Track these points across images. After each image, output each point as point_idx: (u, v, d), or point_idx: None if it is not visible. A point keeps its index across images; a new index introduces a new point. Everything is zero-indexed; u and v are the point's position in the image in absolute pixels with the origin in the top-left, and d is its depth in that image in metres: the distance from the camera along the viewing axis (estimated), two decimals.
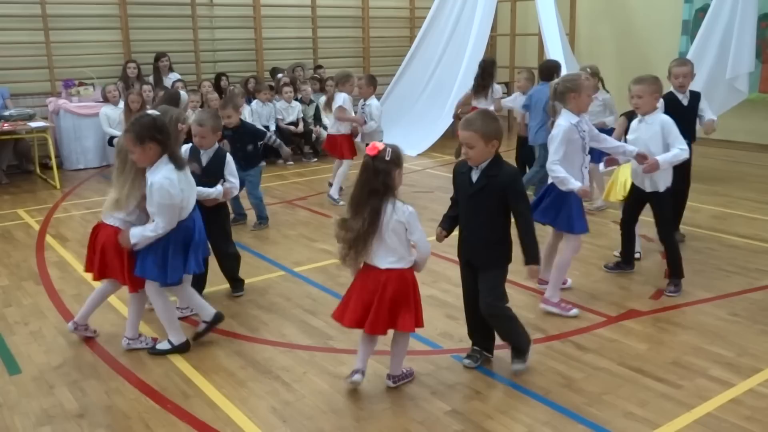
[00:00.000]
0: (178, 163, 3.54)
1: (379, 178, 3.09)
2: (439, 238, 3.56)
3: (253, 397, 3.34)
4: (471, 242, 3.45)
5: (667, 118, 4.42)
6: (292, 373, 3.57)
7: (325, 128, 9.57)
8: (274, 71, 10.51)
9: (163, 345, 3.80)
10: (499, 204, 3.34)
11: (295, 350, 3.84)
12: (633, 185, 4.69)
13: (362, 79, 7.37)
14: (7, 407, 3.29)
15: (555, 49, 9.13)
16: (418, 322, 3.27)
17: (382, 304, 3.16)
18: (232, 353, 3.80)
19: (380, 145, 3.13)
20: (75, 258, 5.45)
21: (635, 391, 3.35)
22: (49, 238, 6.03)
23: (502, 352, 3.74)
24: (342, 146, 7.12)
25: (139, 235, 3.52)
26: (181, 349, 3.79)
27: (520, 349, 3.54)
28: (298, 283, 4.87)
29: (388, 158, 3.10)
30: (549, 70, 6.81)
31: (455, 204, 3.54)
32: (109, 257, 3.66)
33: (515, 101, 7.44)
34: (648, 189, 4.54)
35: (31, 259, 5.46)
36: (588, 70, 6.23)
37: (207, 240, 3.94)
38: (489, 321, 3.51)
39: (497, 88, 7.69)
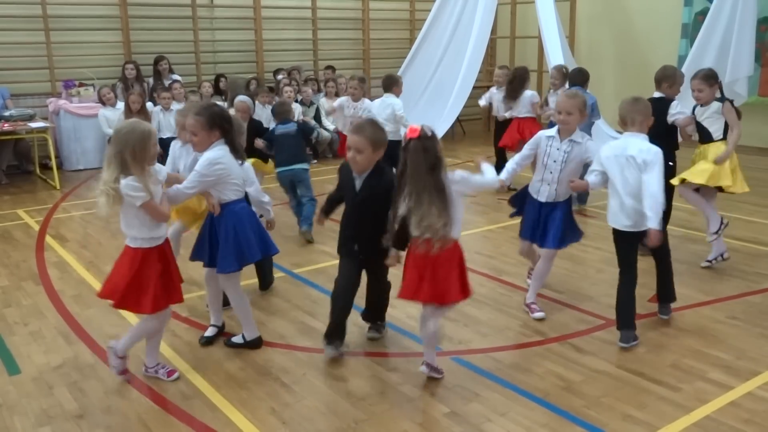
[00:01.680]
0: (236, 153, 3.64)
1: (431, 154, 3.20)
2: (321, 222, 3.88)
3: (253, 399, 3.35)
4: (359, 238, 3.60)
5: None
6: (291, 375, 3.57)
7: (327, 130, 9.62)
8: (277, 72, 10.53)
9: (237, 338, 3.88)
10: (384, 206, 3.40)
11: (294, 352, 3.85)
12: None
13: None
14: (7, 407, 3.30)
15: (555, 52, 9.15)
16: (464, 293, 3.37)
17: (435, 273, 3.29)
18: (232, 354, 3.80)
19: (417, 126, 3.23)
20: (75, 258, 5.46)
21: (634, 393, 3.36)
22: (48, 239, 6.03)
23: (500, 355, 3.75)
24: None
25: (174, 190, 3.52)
26: (254, 344, 3.84)
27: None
28: (298, 284, 4.88)
29: (429, 134, 3.23)
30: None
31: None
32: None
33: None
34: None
35: (31, 260, 5.47)
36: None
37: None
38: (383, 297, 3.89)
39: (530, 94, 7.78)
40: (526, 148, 4.32)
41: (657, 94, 5.09)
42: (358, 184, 3.55)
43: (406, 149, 3.24)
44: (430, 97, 10.65)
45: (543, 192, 4.21)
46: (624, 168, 3.73)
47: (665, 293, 4.18)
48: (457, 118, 10.61)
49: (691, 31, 9.66)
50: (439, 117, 10.00)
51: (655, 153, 3.67)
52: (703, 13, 9.00)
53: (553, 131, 4.21)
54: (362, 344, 3.91)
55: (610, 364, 3.65)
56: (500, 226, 6.21)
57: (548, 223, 4.19)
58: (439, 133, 11.24)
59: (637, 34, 11.02)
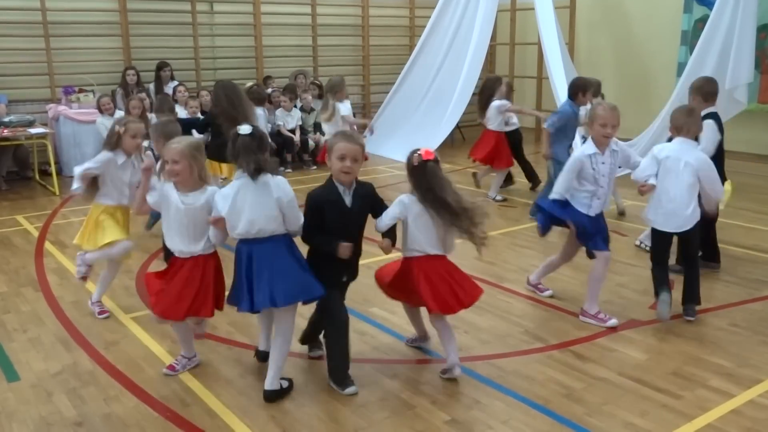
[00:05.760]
0: None
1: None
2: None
3: (252, 406, 3.33)
4: (353, 261, 3.49)
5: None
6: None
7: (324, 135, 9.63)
8: (266, 80, 10.52)
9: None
10: (366, 216, 3.49)
11: (294, 359, 3.82)
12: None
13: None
14: (6, 415, 3.28)
15: (554, 59, 9.15)
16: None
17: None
18: (232, 361, 3.79)
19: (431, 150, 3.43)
20: (74, 265, 5.43)
21: (635, 401, 3.35)
22: (48, 245, 6.02)
23: (501, 362, 3.74)
24: None
25: None
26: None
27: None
28: None
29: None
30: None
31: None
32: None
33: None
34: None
35: (30, 266, 5.45)
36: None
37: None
38: None
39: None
40: (569, 174, 4.17)
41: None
42: (348, 199, 3.35)
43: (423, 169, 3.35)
44: (429, 104, 10.66)
45: (596, 206, 4.23)
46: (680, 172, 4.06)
47: (692, 295, 4.30)
48: (457, 124, 10.62)
49: (690, 38, 9.67)
50: (438, 123, 10.01)
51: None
52: (703, 20, 9.00)
53: (590, 148, 4.16)
54: (362, 352, 3.90)
55: (611, 371, 3.64)
56: (501, 233, 6.20)
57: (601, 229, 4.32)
58: (439, 139, 11.37)
59: (636, 41, 11.05)
